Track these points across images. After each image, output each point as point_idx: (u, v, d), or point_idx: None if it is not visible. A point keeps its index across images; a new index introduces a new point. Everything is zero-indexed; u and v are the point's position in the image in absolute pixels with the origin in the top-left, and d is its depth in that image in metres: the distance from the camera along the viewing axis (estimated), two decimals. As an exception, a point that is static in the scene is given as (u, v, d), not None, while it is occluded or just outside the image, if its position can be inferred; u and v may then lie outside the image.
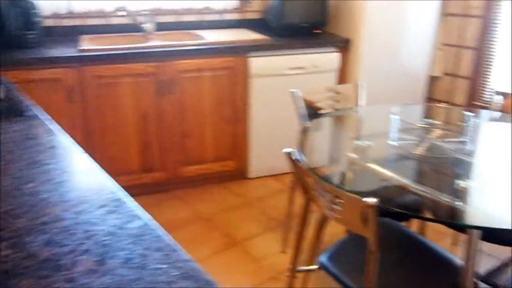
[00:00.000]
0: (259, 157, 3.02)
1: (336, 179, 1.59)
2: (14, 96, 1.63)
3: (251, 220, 2.61)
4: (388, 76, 3.13)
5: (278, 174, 3.11)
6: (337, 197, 1.27)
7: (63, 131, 1.34)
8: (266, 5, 3.26)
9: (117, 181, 1.06)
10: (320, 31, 3.12)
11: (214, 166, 2.93)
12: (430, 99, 3.45)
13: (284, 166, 3.06)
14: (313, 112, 2.15)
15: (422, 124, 1.91)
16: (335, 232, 2.14)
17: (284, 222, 2.56)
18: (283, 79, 2.89)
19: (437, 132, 1.82)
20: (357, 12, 2.95)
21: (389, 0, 2.94)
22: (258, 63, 2.79)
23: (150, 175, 2.78)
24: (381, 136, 1.91)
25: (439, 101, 3.40)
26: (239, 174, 3.05)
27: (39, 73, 2.36)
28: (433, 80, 3.39)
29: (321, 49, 2.93)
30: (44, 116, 1.44)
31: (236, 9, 3.23)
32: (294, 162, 1.44)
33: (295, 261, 1.64)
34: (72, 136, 2.42)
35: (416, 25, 3.09)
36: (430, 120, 1.90)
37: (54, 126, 1.37)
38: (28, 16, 2.53)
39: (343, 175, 1.65)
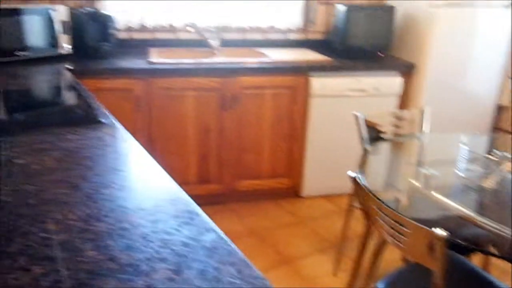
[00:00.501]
0: (314, 176, 3.01)
1: (398, 206, 1.55)
2: (91, 103, 1.73)
3: (303, 239, 2.60)
4: (452, 103, 3.04)
5: (331, 195, 3.08)
6: (402, 225, 1.25)
7: (134, 139, 1.40)
8: (329, 26, 3.28)
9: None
10: (384, 54, 3.09)
11: (269, 182, 2.95)
12: (497, 129, 3.30)
13: (338, 187, 3.04)
14: (375, 135, 2.12)
15: (492, 156, 1.83)
16: (390, 258, 2.08)
17: (337, 245, 2.52)
18: (343, 101, 2.87)
19: (508, 164, 1.74)
20: (424, 36, 2.90)
21: (458, 26, 2.87)
22: (319, 83, 2.79)
23: (206, 187, 2.84)
24: (446, 165, 1.86)
25: (507, 132, 3.25)
26: (293, 192, 3.05)
27: (111, 83, 2.49)
28: (501, 109, 3.25)
29: (384, 73, 2.90)
30: (118, 124, 1.52)
31: (299, 29, 3.27)
32: (358, 186, 1.43)
33: (352, 285, 1.62)
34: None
35: (486, 52, 2.99)
36: (501, 152, 1.82)
37: (128, 134, 1.44)
38: (104, 28, 2.69)
39: (405, 202, 1.61)
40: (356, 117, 2.09)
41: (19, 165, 1.17)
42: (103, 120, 1.54)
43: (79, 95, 1.88)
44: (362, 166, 1.87)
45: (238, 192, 2.92)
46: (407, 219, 1.25)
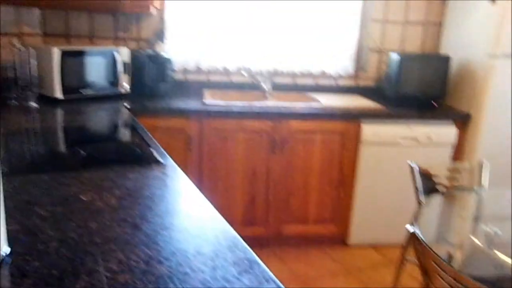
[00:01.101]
0: (362, 225, 2.93)
1: (452, 262, 1.48)
2: (149, 142, 1.79)
3: (349, 291, 2.51)
4: (509, 156, 2.92)
5: (379, 245, 2.98)
6: (463, 284, 1.18)
7: (190, 181, 1.43)
8: (381, 73, 3.28)
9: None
10: (438, 104, 3.03)
11: (315, 228, 2.90)
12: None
13: (387, 237, 2.94)
14: (429, 187, 2.06)
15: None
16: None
17: (385, 299, 2.41)
18: (394, 149, 2.82)
19: None
20: (481, 86, 2.84)
21: (517, 77, 2.80)
22: (370, 130, 2.77)
23: (251, 229, 2.82)
24: (507, 221, 1.76)
25: None
26: (339, 239, 2.98)
27: (166, 122, 2.57)
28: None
29: (438, 122, 2.84)
30: (174, 164, 1.56)
31: (350, 75, 3.29)
32: (417, 242, 1.38)
33: None
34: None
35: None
36: None
37: (184, 175, 1.47)
38: (162, 70, 2.81)
39: (460, 258, 1.53)
40: (411, 168, 2.04)
41: (84, 202, 1.22)
42: (161, 160, 1.58)
43: (138, 134, 1.95)
44: (416, 218, 1.81)
45: (283, 236, 2.88)
46: (470, 279, 1.18)
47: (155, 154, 1.64)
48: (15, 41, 2.40)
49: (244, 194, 2.77)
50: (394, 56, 2.98)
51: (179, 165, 2.44)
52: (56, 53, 2.40)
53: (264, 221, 2.83)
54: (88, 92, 2.59)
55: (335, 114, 2.74)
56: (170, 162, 1.58)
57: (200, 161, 2.67)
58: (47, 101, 2.46)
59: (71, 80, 2.50)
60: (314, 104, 2.84)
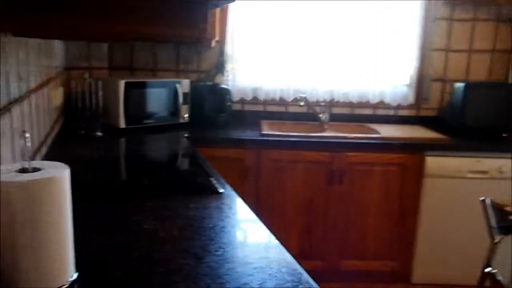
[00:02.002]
0: (426, 263, 2.77)
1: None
2: (210, 173, 1.79)
3: (413, 334, 2.34)
4: None
5: (446, 285, 2.79)
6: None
7: (251, 211, 1.40)
8: (443, 103, 3.16)
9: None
10: (508, 135, 2.86)
11: (375, 264, 2.77)
12: None
13: (454, 276, 2.75)
14: (504, 223, 1.91)
15: None
16: None
17: None
18: (461, 182, 2.67)
19: None
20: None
21: None
22: (434, 162, 2.64)
23: (307, 263, 2.71)
24: None
25: None
26: (401, 277, 2.82)
27: (224, 152, 2.59)
28: None
29: (509, 154, 2.66)
30: (235, 194, 1.54)
31: (411, 105, 3.19)
32: (494, 282, 1.27)
33: None
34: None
35: None
36: None
37: (245, 206, 1.44)
38: (222, 100, 2.85)
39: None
40: (484, 203, 1.91)
41: (147, 231, 1.22)
42: (221, 190, 1.58)
43: (198, 163, 1.97)
44: (490, 257, 1.67)
45: (341, 271, 2.77)
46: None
47: (215, 184, 1.64)
48: (85, 74, 2.53)
49: (300, 226, 2.71)
50: (459, 85, 2.85)
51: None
52: (121, 85, 2.50)
53: (321, 255, 2.74)
54: (150, 122, 2.67)
55: (395, 145, 2.65)
56: (230, 192, 1.57)
57: (257, 191, 2.65)
58: (112, 130, 2.55)
59: (134, 110, 2.59)
60: (373, 135, 2.77)
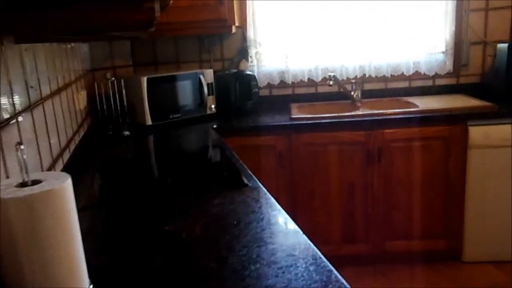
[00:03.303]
0: (477, 239, 2.60)
1: None
2: (236, 164, 1.72)
3: (469, 316, 2.21)
4: None
5: (500, 262, 2.62)
6: None
7: (279, 205, 1.32)
8: (486, 68, 2.93)
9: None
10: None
11: (422, 243, 2.63)
12: None
13: (509, 253, 2.58)
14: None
15: None
16: None
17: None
18: (509, 152, 2.47)
19: None
20: None
21: None
22: (478, 132, 2.46)
23: (351, 247, 2.64)
24: None
25: None
26: (452, 255, 2.67)
27: (254, 140, 2.51)
28: None
29: None
30: (262, 186, 1.46)
31: (449, 73, 2.98)
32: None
33: None
34: (278, 199, 2.48)
35: None
36: None
37: (272, 199, 1.36)
38: (248, 87, 2.77)
39: None
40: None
41: (168, 233, 1.17)
42: (248, 183, 1.50)
43: (225, 156, 1.90)
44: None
45: (387, 253, 2.65)
46: None
47: (242, 176, 1.57)
48: (108, 74, 2.51)
49: (342, 210, 2.60)
50: (502, 46, 2.63)
51: (269, 183, 2.37)
52: (143, 82, 2.46)
53: (365, 238, 2.63)
54: (176, 116, 2.62)
55: (436, 118, 2.48)
56: (257, 185, 1.49)
57: (293, 178, 2.56)
58: (138, 128, 2.53)
59: (159, 106, 2.55)
60: (410, 109, 2.61)
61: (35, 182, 0.81)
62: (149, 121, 2.52)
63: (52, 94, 1.62)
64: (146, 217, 1.32)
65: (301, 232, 1.11)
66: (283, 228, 1.17)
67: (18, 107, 1.24)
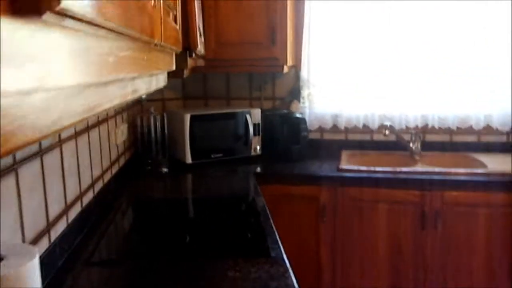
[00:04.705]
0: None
1: None
2: (265, 227, 1.55)
3: None
4: None
5: None
6: None
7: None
8: None
9: None
10: None
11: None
12: None
13: None
14: None
15: None
16: None
17: None
18: None
19: None
20: None
21: None
22: (559, 204, 2.11)
23: (396, 319, 2.34)
24: None
25: None
26: None
27: (297, 189, 2.33)
28: None
29: None
30: (286, 261, 1.27)
31: (527, 129, 2.64)
32: None
33: None
34: (317, 256, 2.25)
35: None
36: None
37: (294, 280, 1.17)
38: (297, 130, 2.60)
39: None
40: None
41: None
42: (271, 253, 1.32)
43: (256, 212, 1.73)
44: None
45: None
46: None
47: (267, 244, 1.39)
48: (152, 108, 2.46)
49: (389, 276, 2.32)
50: None
51: (308, 236, 2.16)
52: (186, 119, 2.38)
53: (413, 310, 2.33)
54: (218, 156, 2.50)
55: (507, 183, 2.16)
56: (281, 256, 1.31)
57: (335, 235, 2.33)
58: (178, 165, 2.44)
59: (201, 144, 2.45)
60: (477, 169, 2.31)
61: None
62: (189, 160, 2.42)
63: (78, 133, 1.55)
64: (147, 279, 1.18)
65: None
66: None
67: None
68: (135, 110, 2.54)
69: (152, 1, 0.60)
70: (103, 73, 0.48)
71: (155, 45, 0.65)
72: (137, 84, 0.69)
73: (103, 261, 1.35)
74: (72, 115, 0.43)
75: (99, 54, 0.47)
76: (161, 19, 0.67)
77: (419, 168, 2.39)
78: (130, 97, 0.66)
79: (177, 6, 1.03)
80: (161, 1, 0.70)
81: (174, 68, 1.14)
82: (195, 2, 1.20)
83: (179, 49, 1.06)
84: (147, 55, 0.66)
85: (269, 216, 1.65)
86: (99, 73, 0.48)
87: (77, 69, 0.43)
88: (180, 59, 1.53)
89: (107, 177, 1.91)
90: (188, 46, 1.25)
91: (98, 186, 1.76)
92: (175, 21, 1.02)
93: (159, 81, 0.99)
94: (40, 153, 1.18)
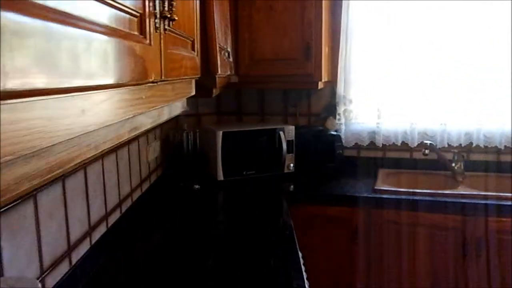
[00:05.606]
0: None
1: None
2: (289, 254, 1.49)
3: None
4: None
5: None
6: None
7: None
8: None
9: None
10: None
11: None
12: None
13: None
14: None
15: None
16: None
17: None
18: None
19: None
20: None
21: None
22: None
23: None
24: None
25: None
26: None
27: (329, 209, 2.25)
28: None
29: None
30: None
31: None
32: None
33: None
34: (349, 280, 2.16)
35: None
36: None
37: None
38: (331, 148, 2.53)
39: None
40: None
41: None
42: (293, 285, 1.26)
43: (282, 237, 1.67)
44: None
45: None
46: None
47: (291, 275, 1.33)
48: (185, 125, 2.46)
49: (426, 304, 2.20)
50: None
51: (340, 259, 2.08)
52: (219, 136, 2.36)
53: None
54: (250, 173, 2.47)
55: (559, 209, 2.00)
56: (302, 285, 1.25)
57: (368, 258, 2.23)
58: (210, 181, 2.42)
59: (234, 161, 2.43)
60: (525, 193, 2.15)
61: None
62: (220, 177, 2.40)
63: (104, 154, 1.56)
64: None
65: None
66: None
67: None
68: (169, 125, 2.55)
69: (148, 40, 0.58)
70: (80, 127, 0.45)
71: (153, 82, 0.62)
72: (137, 121, 0.66)
73: (123, 283, 1.34)
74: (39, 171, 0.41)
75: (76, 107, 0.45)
76: (161, 54, 0.64)
77: (461, 190, 2.25)
78: (127, 136, 0.63)
79: (195, 31, 1.00)
80: (163, 35, 0.67)
81: (193, 93, 1.12)
82: (215, 24, 1.18)
83: (197, 75, 1.04)
84: (147, 92, 0.64)
85: (296, 241, 1.59)
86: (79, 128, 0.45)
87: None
88: (207, 79, 1.51)
89: (137, 194, 1.92)
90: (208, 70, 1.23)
91: (126, 205, 1.76)
92: (193, 48, 0.99)
93: (174, 109, 0.97)
94: (62, 177, 1.18)
